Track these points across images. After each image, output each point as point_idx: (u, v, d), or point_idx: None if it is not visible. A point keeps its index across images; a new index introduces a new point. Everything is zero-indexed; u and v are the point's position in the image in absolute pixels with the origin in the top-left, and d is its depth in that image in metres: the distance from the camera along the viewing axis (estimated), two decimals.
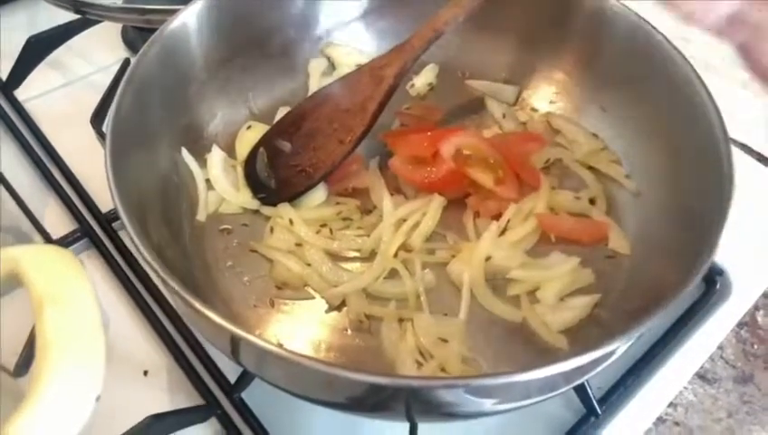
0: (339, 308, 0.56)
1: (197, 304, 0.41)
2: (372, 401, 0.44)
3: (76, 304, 0.37)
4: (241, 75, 0.65)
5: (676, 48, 0.58)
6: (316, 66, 0.70)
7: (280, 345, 0.41)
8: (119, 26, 0.80)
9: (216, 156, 0.62)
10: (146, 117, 0.55)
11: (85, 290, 0.39)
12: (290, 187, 0.61)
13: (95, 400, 0.37)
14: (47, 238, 0.61)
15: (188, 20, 0.59)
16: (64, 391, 0.35)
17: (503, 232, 0.59)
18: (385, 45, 0.69)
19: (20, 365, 0.46)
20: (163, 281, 0.43)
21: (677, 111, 0.57)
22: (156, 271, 0.42)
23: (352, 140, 0.61)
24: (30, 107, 0.73)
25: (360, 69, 0.64)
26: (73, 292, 0.38)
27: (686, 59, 0.57)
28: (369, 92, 0.61)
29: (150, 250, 0.44)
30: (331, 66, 0.70)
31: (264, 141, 0.63)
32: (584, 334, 0.54)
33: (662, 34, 0.59)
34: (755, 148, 0.74)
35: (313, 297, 0.56)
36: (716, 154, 0.52)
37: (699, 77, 0.56)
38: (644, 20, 0.61)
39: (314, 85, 0.69)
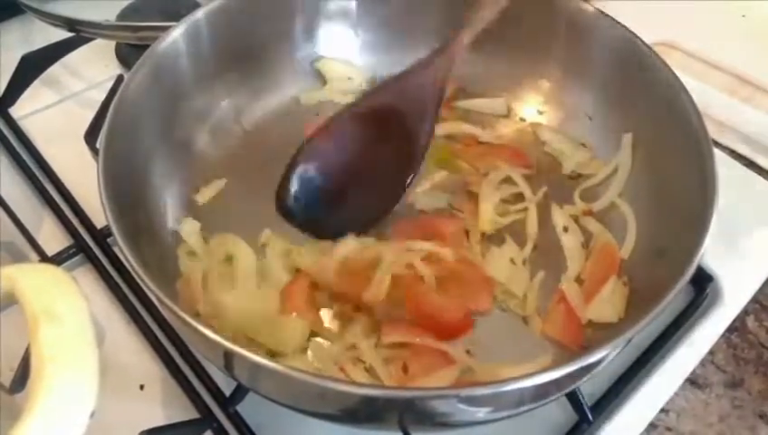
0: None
1: (189, 319, 0.41)
2: (364, 413, 0.45)
3: (70, 322, 0.38)
4: (231, 91, 0.66)
5: (658, 56, 0.59)
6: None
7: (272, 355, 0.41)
8: (112, 43, 0.81)
9: (188, 227, 0.59)
10: (138, 134, 0.56)
11: (79, 308, 0.39)
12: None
13: (89, 416, 0.37)
14: (42, 254, 0.61)
15: (179, 37, 0.60)
16: (58, 408, 0.36)
17: None
18: (375, 59, 0.70)
19: (16, 382, 0.47)
20: (156, 297, 0.43)
21: (661, 116, 0.59)
22: (148, 287, 0.43)
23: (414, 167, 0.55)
24: (25, 124, 0.74)
25: (400, 77, 0.57)
26: (68, 310, 0.38)
27: (668, 66, 0.59)
28: (422, 104, 0.55)
29: (143, 266, 0.44)
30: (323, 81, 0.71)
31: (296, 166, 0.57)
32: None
33: (645, 43, 0.61)
34: (743, 153, 0.75)
35: None
36: (700, 156, 0.53)
37: (681, 84, 0.57)
38: (628, 29, 0.62)
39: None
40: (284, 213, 0.57)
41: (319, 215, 0.57)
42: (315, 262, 0.55)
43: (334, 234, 0.56)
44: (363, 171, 0.57)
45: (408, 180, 0.58)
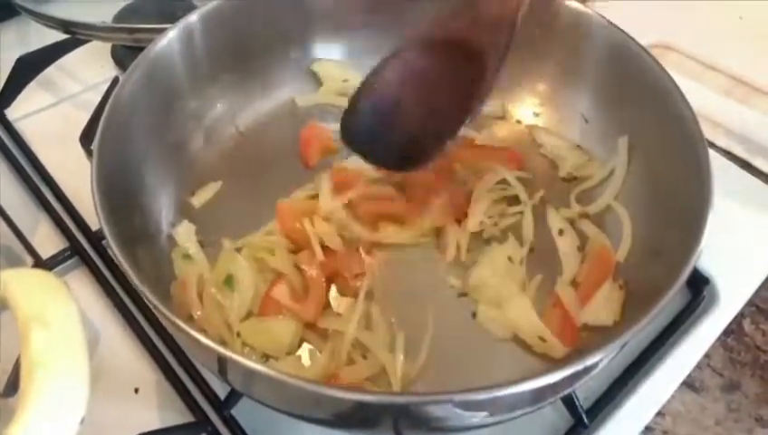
0: None
1: (182, 325, 0.41)
2: (359, 418, 0.45)
3: (61, 328, 0.38)
4: (227, 93, 0.66)
5: (654, 58, 0.59)
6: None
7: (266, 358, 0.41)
8: (108, 45, 0.81)
9: (183, 230, 0.59)
10: (132, 137, 0.56)
11: (70, 314, 0.39)
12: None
13: (80, 422, 0.37)
14: (36, 257, 0.61)
15: (174, 40, 0.60)
16: (48, 414, 0.36)
17: None
18: (371, 59, 0.70)
19: (9, 386, 0.47)
20: (149, 301, 0.43)
21: (657, 118, 0.59)
22: (141, 291, 0.43)
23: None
24: (20, 126, 0.74)
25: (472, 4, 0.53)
26: (58, 315, 0.38)
27: (663, 68, 0.58)
28: (495, 37, 0.52)
29: (136, 270, 0.44)
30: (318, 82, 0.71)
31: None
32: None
33: (641, 45, 0.61)
34: (740, 155, 0.75)
35: None
36: (695, 158, 0.53)
37: (677, 86, 0.57)
38: (624, 31, 0.62)
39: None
40: (349, 140, 0.57)
41: (381, 143, 0.56)
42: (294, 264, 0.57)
43: (393, 165, 0.56)
44: (427, 103, 0.55)
45: (469, 116, 0.56)
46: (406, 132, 0.55)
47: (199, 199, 0.62)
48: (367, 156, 0.57)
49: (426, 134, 0.54)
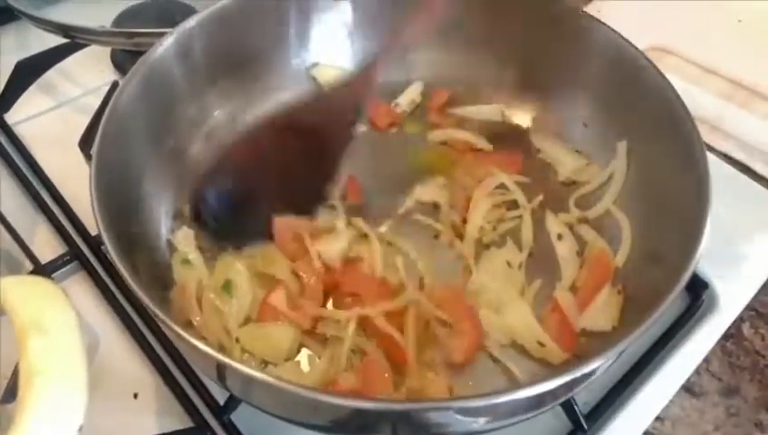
0: None
1: (181, 332, 0.41)
2: (357, 424, 0.45)
3: (59, 335, 0.38)
4: (226, 98, 0.66)
5: (651, 62, 0.60)
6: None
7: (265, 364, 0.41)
8: (108, 49, 0.81)
9: (182, 236, 0.59)
10: (131, 142, 0.56)
11: (68, 320, 0.39)
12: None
13: (78, 429, 0.37)
14: (35, 262, 0.61)
15: (172, 45, 0.60)
16: (46, 421, 0.36)
17: None
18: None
19: (7, 393, 0.47)
20: (148, 307, 0.43)
21: (655, 123, 0.59)
22: (140, 297, 0.43)
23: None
24: (20, 130, 0.74)
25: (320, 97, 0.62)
26: (56, 322, 0.38)
27: (661, 73, 0.59)
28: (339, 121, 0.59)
29: (135, 276, 0.44)
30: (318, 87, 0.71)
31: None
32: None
33: (639, 50, 0.61)
34: (739, 159, 0.75)
35: None
36: (693, 162, 0.53)
37: (675, 90, 0.57)
38: (622, 36, 0.62)
39: None
40: (200, 223, 0.59)
41: (233, 223, 0.59)
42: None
43: (247, 241, 0.58)
44: (276, 180, 0.60)
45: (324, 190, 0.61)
46: (255, 209, 0.59)
47: None
48: (218, 237, 0.59)
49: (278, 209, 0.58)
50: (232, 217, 0.59)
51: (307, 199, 0.61)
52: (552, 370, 0.54)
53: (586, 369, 0.42)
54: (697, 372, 0.59)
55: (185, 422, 0.54)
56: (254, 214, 0.59)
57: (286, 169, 0.59)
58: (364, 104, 0.63)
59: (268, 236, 0.59)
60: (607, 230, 0.61)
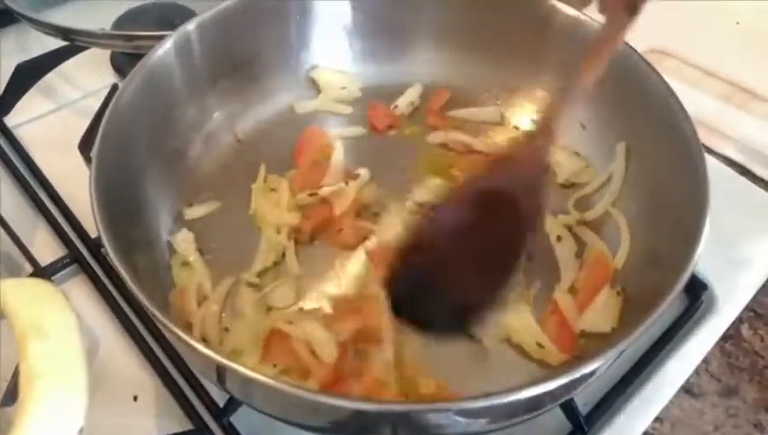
0: None
1: (181, 334, 0.41)
2: (357, 426, 0.45)
3: (59, 338, 0.38)
4: (225, 101, 0.66)
5: (650, 65, 0.60)
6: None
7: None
8: (108, 52, 0.81)
9: (182, 238, 0.59)
10: (131, 144, 0.56)
11: (68, 323, 0.39)
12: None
13: (78, 432, 0.37)
14: (35, 265, 0.61)
15: (171, 48, 0.60)
16: (47, 424, 0.36)
17: None
18: (368, 67, 0.70)
19: (7, 396, 0.46)
20: (147, 309, 0.43)
21: (654, 125, 0.59)
22: (140, 299, 0.43)
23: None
24: (20, 133, 0.74)
25: (500, 160, 0.52)
26: (56, 325, 0.38)
27: (660, 75, 0.59)
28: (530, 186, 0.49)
29: (135, 278, 0.44)
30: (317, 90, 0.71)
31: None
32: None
33: (637, 52, 0.61)
34: (738, 161, 0.75)
35: None
36: (692, 164, 0.53)
37: (673, 92, 0.57)
38: None
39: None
40: (398, 311, 0.50)
41: (430, 309, 0.49)
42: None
43: (446, 330, 0.50)
44: (471, 259, 0.50)
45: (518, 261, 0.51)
46: (458, 292, 0.49)
47: (197, 212, 0.62)
48: (418, 326, 0.50)
49: (479, 290, 0.49)
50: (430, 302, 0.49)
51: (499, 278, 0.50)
52: (552, 371, 0.54)
53: (585, 370, 0.43)
54: (696, 372, 0.59)
55: (184, 425, 0.54)
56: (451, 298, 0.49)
57: (477, 247, 0.50)
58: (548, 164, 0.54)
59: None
60: (606, 232, 0.62)
